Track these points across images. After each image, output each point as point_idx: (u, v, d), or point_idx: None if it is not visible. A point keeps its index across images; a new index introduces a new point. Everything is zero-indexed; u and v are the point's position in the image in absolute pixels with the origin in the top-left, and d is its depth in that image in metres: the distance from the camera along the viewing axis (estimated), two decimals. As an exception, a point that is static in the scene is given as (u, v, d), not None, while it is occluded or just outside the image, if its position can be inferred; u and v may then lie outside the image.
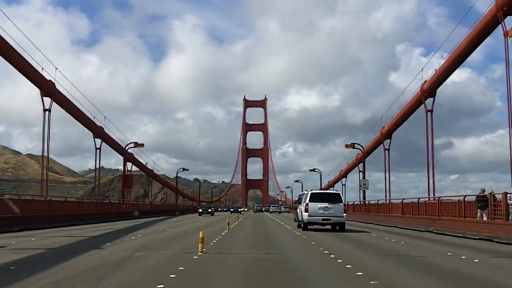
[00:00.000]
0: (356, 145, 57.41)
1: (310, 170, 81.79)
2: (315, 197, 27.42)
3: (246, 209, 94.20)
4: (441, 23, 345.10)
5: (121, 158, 63.26)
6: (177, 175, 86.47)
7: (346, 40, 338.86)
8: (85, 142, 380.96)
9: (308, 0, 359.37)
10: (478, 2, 33.32)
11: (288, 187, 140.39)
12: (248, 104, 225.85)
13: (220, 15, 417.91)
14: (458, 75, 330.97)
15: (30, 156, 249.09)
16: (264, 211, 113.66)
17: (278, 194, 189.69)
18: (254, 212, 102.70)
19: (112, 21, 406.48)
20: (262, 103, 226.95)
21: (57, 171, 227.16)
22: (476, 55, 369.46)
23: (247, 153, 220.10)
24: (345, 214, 27.74)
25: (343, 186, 77.53)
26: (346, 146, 59.20)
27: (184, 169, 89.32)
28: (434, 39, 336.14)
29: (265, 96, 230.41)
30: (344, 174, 77.00)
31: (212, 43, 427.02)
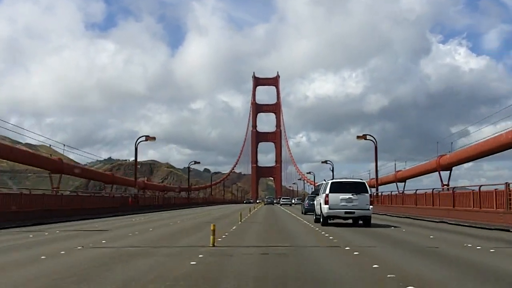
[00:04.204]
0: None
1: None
2: (336, 187, 25.44)
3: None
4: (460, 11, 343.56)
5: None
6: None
7: (375, 20, 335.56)
8: (97, 133, 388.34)
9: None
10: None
11: (309, 172, 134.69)
12: (258, 82, 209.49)
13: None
14: (477, 62, 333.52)
15: (29, 145, 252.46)
16: (275, 203, 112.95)
17: (293, 184, 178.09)
18: (265, 204, 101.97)
19: (128, 3, 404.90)
20: (274, 81, 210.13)
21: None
22: (494, 42, 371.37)
23: (258, 137, 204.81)
24: (371, 207, 25.51)
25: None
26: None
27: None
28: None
29: (277, 73, 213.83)
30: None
31: (232, 27, 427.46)
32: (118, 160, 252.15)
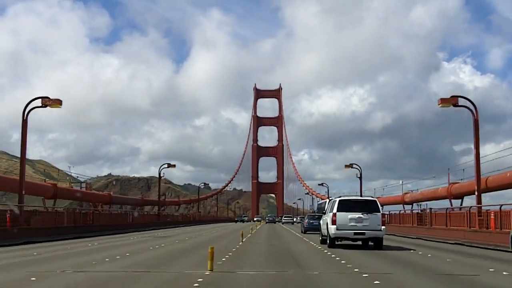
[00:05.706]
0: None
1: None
2: (345, 206, 23.67)
3: None
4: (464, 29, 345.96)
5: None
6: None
7: (384, 35, 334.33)
8: (99, 149, 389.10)
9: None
10: None
11: (321, 184, 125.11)
12: (259, 94, 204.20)
13: (246, 13, 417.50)
14: (481, 80, 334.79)
15: (26, 160, 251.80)
16: (277, 221, 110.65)
17: (298, 200, 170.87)
18: (266, 223, 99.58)
19: (133, 17, 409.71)
20: (276, 93, 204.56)
21: (54, 176, 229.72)
22: (498, 61, 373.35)
23: (259, 152, 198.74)
24: (383, 227, 23.59)
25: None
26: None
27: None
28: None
29: (280, 85, 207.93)
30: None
31: (237, 42, 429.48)
32: (118, 176, 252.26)
